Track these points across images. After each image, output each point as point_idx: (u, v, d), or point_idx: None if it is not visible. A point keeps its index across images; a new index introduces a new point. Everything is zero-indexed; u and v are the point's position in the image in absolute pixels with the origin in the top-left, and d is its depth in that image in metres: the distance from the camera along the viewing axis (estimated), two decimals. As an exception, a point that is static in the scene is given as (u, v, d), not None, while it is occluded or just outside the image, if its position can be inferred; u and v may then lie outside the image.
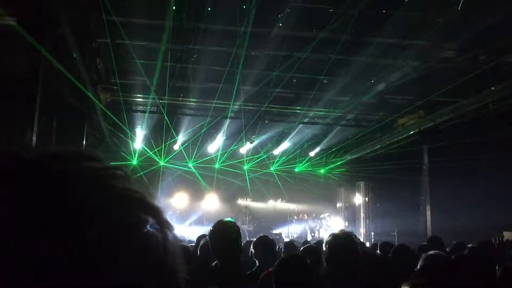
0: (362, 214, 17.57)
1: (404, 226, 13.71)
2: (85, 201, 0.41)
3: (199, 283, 2.75)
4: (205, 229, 4.04)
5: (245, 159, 16.59)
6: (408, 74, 11.62)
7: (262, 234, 4.48)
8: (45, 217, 0.39)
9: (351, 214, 18.61)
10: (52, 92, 7.84)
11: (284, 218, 17.78)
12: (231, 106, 13.09)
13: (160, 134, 14.67)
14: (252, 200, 18.43)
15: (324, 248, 2.99)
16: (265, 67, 11.37)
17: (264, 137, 15.90)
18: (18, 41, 6.92)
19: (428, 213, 13.34)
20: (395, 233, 13.52)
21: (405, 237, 11.70)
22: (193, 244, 5.17)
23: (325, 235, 14.78)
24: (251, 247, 4.18)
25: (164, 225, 0.47)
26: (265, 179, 17.59)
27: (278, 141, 16.77)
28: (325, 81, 12.44)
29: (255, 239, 4.33)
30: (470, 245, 5.74)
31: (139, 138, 15.41)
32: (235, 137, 15.59)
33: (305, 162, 17.83)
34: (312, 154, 17.56)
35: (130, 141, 14.78)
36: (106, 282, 0.40)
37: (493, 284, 2.80)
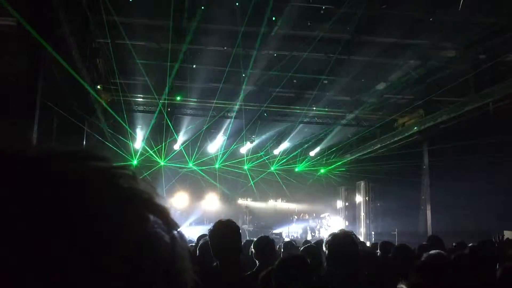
0: (362, 214, 17.58)
1: (405, 226, 13.72)
2: (91, 200, 0.41)
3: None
4: (205, 229, 4.04)
5: (245, 158, 16.59)
6: (408, 73, 11.62)
7: (262, 234, 4.48)
8: (51, 217, 0.39)
9: (351, 213, 18.61)
10: (52, 92, 7.84)
11: (285, 217, 17.78)
12: (237, 105, 13.08)
13: (160, 134, 14.67)
14: (253, 200, 18.43)
15: (324, 248, 2.99)
16: (265, 66, 11.37)
17: (264, 137, 15.90)
18: (18, 41, 6.92)
19: (429, 212, 13.34)
20: (396, 233, 13.51)
21: (405, 237, 11.70)
22: (193, 244, 5.17)
23: (325, 234, 14.76)
24: (251, 247, 4.18)
25: (171, 226, 0.47)
26: (266, 178, 17.59)
27: (278, 140, 16.77)
28: (325, 81, 12.45)
29: (255, 239, 4.33)
30: (470, 244, 5.74)
31: (139, 138, 15.41)
32: (235, 137, 15.59)
33: (306, 162, 17.84)
34: (312, 153, 17.56)
35: (130, 141, 14.78)
36: (113, 283, 0.39)
37: (493, 283, 2.80)
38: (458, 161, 11.32)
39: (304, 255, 3.19)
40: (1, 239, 0.37)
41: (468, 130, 10.78)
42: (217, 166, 16.69)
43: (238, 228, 2.92)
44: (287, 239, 11.50)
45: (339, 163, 17.82)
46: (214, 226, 2.85)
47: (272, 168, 17.41)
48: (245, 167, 16.96)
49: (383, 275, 3.75)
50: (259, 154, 16.77)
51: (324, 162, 18.02)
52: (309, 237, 15.46)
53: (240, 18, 9.30)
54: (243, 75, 11.78)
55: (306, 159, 17.77)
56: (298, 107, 13.86)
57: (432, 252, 2.43)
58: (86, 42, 9.32)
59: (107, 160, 0.46)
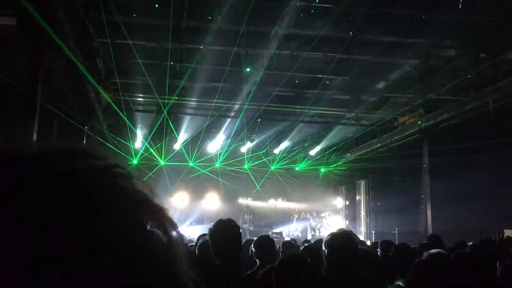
0: (362, 213, 17.58)
1: (405, 225, 13.72)
2: (87, 200, 0.41)
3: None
4: (206, 228, 4.04)
5: (246, 157, 16.58)
6: (409, 72, 11.61)
7: (263, 233, 4.48)
8: (46, 216, 0.39)
9: (351, 212, 18.62)
10: (52, 92, 7.84)
11: (285, 217, 17.78)
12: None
13: (160, 134, 14.66)
14: (253, 199, 18.44)
15: (323, 248, 2.99)
16: (265, 65, 11.37)
17: (264, 136, 15.90)
18: (18, 41, 6.92)
19: (429, 211, 13.34)
20: (396, 232, 13.52)
21: (405, 236, 11.72)
22: (194, 244, 5.17)
23: (325, 233, 14.77)
24: (252, 246, 4.18)
25: (169, 226, 0.46)
26: (266, 178, 17.58)
27: (278, 140, 16.77)
28: (327, 82, 12.45)
29: (255, 239, 4.33)
30: (471, 243, 5.73)
31: (139, 138, 15.41)
32: (235, 136, 15.59)
33: (306, 161, 17.83)
34: (312, 153, 17.55)
35: (130, 141, 14.78)
36: (110, 284, 0.39)
37: (493, 282, 2.80)
38: (459, 160, 11.32)
39: (304, 254, 3.19)
40: None
41: (468, 129, 10.78)
42: (217, 165, 16.69)
43: (238, 227, 2.92)
44: (287, 238, 11.50)
45: (340, 162, 17.83)
46: (214, 225, 2.86)
47: (272, 168, 17.41)
48: (245, 166, 16.96)
49: (383, 274, 3.75)
50: (259, 153, 16.77)
51: (324, 161, 18.02)
52: (309, 236, 15.46)
53: (240, 17, 9.30)
54: (243, 74, 11.78)
55: (307, 158, 17.77)
56: (298, 106, 13.86)
57: (433, 251, 2.43)
58: (86, 42, 9.32)
59: (103, 159, 0.46)
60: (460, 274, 2.64)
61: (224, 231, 2.79)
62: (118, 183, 0.45)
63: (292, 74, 11.58)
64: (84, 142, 10.20)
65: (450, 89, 10.70)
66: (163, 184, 16.27)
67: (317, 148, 17.22)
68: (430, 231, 12.41)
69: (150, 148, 15.25)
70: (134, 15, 9.47)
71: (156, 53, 11.02)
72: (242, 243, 3.15)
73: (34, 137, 6.45)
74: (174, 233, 0.47)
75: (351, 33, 10.00)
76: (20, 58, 6.91)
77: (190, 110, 14.38)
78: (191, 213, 16.74)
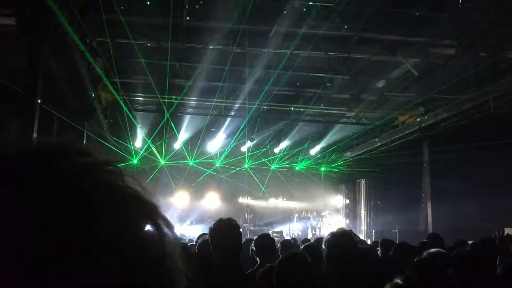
0: (363, 212, 17.58)
1: (405, 224, 13.71)
2: (77, 198, 0.40)
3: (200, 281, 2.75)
4: (206, 228, 4.04)
5: (247, 155, 16.58)
6: (409, 71, 11.61)
7: (263, 232, 4.48)
8: (36, 216, 0.38)
9: (352, 211, 18.62)
10: (52, 92, 7.84)
11: (285, 216, 17.77)
12: (237, 103, 13.06)
13: (160, 133, 14.66)
14: (253, 199, 18.44)
15: (323, 247, 2.99)
16: (265, 65, 11.37)
17: (264, 135, 15.90)
18: (18, 40, 6.92)
19: (429, 210, 13.34)
20: (396, 231, 13.52)
21: (406, 235, 11.70)
22: (194, 243, 5.17)
23: (326, 233, 14.77)
24: (252, 245, 4.18)
25: (161, 222, 0.46)
26: (266, 177, 17.58)
27: (278, 139, 16.77)
28: (326, 79, 12.45)
29: (256, 237, 4.34)
30: (471, 242, 5.73)
31: (139, 137, 15.41)
32: (235, 136, 15.59)
33: (306, 160, 17.83)
34: (313, 152, 17.55)
35: (130, 140, 14.79)
36: (102, 282, 0.39)
37: (493, 280, 2.80)
38: (459, 158, 11.31)
39: (304, 253, 3.19)
40: None
41: (469, 128, 10.78)
42: (217, 164, 16.69)
43: (238, 226, 2.92)
44: (287, 238, 11.50)
45: (340, 161, 17.82)
46: (214, 225, 2.86)
47: (272, 167, 17.41)
48: (246, 165, 16.96)
49: (383, 273, 3.74)
50: (260, 151, 16.76)
51: (324, 160, 18.02)
52: (309, 236, 15.45)
53: (240, 16, 9.30)
54: (243, 73, 11.78)
55: (307, 157, 17.77)
56: (299, 105, 13.87)
57: (432, 249, 2.43)
58: (86, 41, 9.31)
59: (93, 155, 0.46)
60: (460, 272, 2.64)
61: (224, 230, 2.80)
62: (108, 180, 0.44)
63: (292, 73, 11.58)
64: (84, 141, 10.19)
65: (450, 88, 10.69)
66: (166, 183, 16.33)
67: (317, 147, 17.22)
68: (430, 229, 12.41)
69: (152, 146, 15.24)
70: (133, 14, 9.47)
71: (156, 53, 11.02)
72: (242, 242, 3.15)
73: (34, 137, 6.45)
74: (166, 229, 0.46)
75: (346, 27, 9.97)
76: (20, 58, 6.91)
77: (190, 109, 14.38)
78: (191, 212, 16.75)
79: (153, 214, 0.46)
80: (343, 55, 11.12)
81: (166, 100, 12.80)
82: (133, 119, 13.49)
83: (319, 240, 5.91)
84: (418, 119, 12.86)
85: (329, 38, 10.25)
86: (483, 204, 10.97)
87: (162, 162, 16.04)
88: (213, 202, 17.54)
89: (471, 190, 11.21)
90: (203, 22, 9.87)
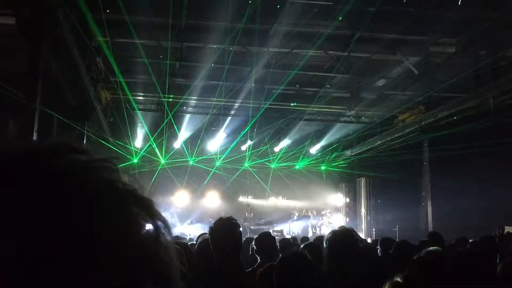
0: (363, 210, 17.58)
1: (406, 222, 13.72)
2: (77, 198, 0.41)
3: (200, 281, 2.75)
4: (207, 227, 4.04)
5: (248, 153, 16.57)
6: (409, 69, 11.60)
7: (264, 231, 4.49)
8: (37, 216, 0.38)
9: (352, 210, 18.61)
10: (52, 92, 7.84)
11: (286, 215, 17.78)
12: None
13: (161, 132, 14.66)
14: (254, 197, 18.44)
15: (324, 245, 2.99)
16: (265, 64, 11.36)
17: (264, 134, 15.90)
18: (18, 40, 6.92)
19: (430, 208, 13.34)
20: (397, 229, 13.52)
21: (406, 233, 11.70)
22: (194, 242, 5.17)
23: (326, 231, 14.78)
24: (253, 243, 4.18)
25: (156, 218, 0.46)
26: (267, 176, 17.58)
27: (278, 138, 16.77)
28: (326, 78, 12.45)
29: (257, 236, 4.34)
30: (471, 240, 5.74)
31: (139, 137, 15.41)
32: (236, 134, 15.59)
33: (306, 159, 17.83)
34: (313, 150, 17.55)
35: (130, 140, 14.79)
36: (102, 282, 0.39)
37: (493, 279, 2.80)
38: (459, 156, 11.31)
39: (305, 252, 3.20)
40: None
41: (469, 126, 10.78)
42: (218, 163, 16.69)
43: (238, 225, 2.92)
44: (288, 236, 11.51)
45: (340, 160, 17.82)
46: (214, 224, 2.86)
47: (272, 166, 17.41)
48: (246, 164, 16.97)
49: (383, 272, 3.75)
50: (262, 148, 16.76)
51: (324, 159, 18.02)
52: (310, 234, 15.46)
53: (241, 15, 9.29)
54: (243, 72, 11.78)
55: (307, 156, 17.76)
56: (298, 104, 13.86)
57: (430, 248, 2.44)
58: (86, 40, 9.32)
59: (86, 153, 0.46)
60: (459, 270, 2.65)
61: (224, 229, 2.80)
62: (107, 179, 0.44)
63: (292, 72, 11.57)
64: (84, 141, 10.19)
65: (450, 86, 10.69)
66: (170, 183, 16.34)
67: (318, 146, 17.22)
68: (431, 228, 12.42)
69: (153, 143, 15.22)
70: (133, 13, 9.46)
71: (156, 52, 11.01)
72: (243, 241, 3.16)
73: (34, 137, 6.46)
74: (160, 224, 0.46)
75: (351, 30, 9.97)
76: (20, 58, 6.91)
77: (190, 108, 14.37)
78: (192, 211, 16.75)
79: (152, 213, 0.46)
80: (343, 53, 11.12)
81: (165, 100, 12.80)
82: (127, 124, 13.47)
83: (319, 238, 5.92)
84: (418, 118, 12.86)
85: (330, 36, 10.23)
86: (483, 202, 10.97)
87: (162, 161, 16.04)
88: (213, 201, 17.54)
89: (471, 188, 11.22)
90: (203, 21, 9.87)
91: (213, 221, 2.99)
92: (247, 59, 11.37)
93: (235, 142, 15.85)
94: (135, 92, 13.18)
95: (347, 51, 10.91)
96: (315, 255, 3.66)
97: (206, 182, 16.94)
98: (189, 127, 15.08)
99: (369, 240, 11.73)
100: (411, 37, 10.31)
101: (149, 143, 15.02)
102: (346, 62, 11.44)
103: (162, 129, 14.35)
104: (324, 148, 17.37)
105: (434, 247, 2.51)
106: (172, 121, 13.89)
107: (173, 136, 15.43)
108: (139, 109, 14.04)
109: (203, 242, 3.55)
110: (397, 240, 5.74)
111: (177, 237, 6.43)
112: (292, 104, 13.91)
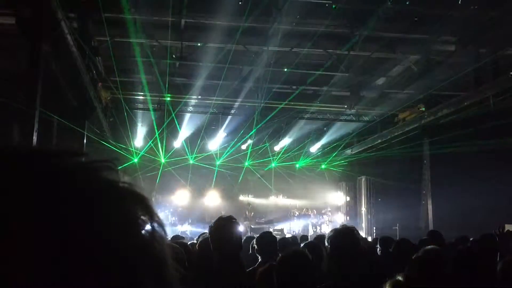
0: (363, 209, 17.58)
1: (406, 220, 13.72)
2: (76, 198, 0.41)
3: (200, 280, 2.76)
4: (207, 226, 4.05)
5: (249, 151, 16.57)
6: (409, 68, 11.60)
7: (264, 231, 4.49)
8: (37, 216, 0.38)
9: (352, 209, 18.61)
10: (52, 92, 7.84)
11: (286, 214, 17.78)
12: (237, 102, 13.04)
13: (161, 132, 14.66)
14: (254, 197, 18.45)
15: (326, 243, 2.99)
16: (265, 63, 11.36)
17: (264, 133, 15.89)
18: (18, 40, 6.92)
19: (430, 207, 13.34)
20: (397, 228, 13.53)
21: (407, 231, 11.71)
22: (194, 242, 5.17)
23: (327, 230, 14.78)
24: (254, 242, 4.19)
25: (152, 216, 0.46)
26: (267, 175, 17.58)
27: (278, 137, 16.77)
28: (326, 77, 12.44)
29: (257, 235, 4.34)
30: (472, 238, 5.73)
31: (139, 136, 15.40)
32: (236, 133, 15.59)
33: (306, 158, 17.82)
34: (313, 149, 17.54)
35: (130, 139, 14.79)
36: (103, 283, 0.39)
37: (493, 277, 2.80)
38: (459, 155, 11.31)
39: (305, 251, 3.20)
40: None
41: (469, 125, 10.77)
42: (218, 162, 16.68)
43: (238, 224, 2.92)
44: (288, 235, 11.52)
45: (340, 159, 17.82)
46: (214, 223, 2.86)
47: (273, 165, 17.41)
48: (246, 163, 16.97)
49: (383, 270, 3.75)
50: (263, 146, 16.76)
51: (325, 157, 18.02)
52: (310, 233, 15.46)
53: (240, 14, 9.28)
54: (243, 71, 11.77)
55: (307, 155, 17.76)
56: (299, 103, 13.85)
57: (428, 247, 2.44)
58: (86, 40, 9.32)
59: (86, 156, 0.46)
60: (459, 269, 2.65)
61: (225, 228, 2.80)
62: (107, 179, 0.44)
63: (292, 71, 11.58)
64: (85, 141, 10.19)
65: (451, 85, 10.68)
66: (172, 183, 16.35)
67: (318, 145, 17.22)
68: (431, 226, 12.42)
69: (156, 141, 15.22)
70: (133, 13, 9.46)
71: (155, 51, 11.01)
72: (243, 240, 3.16)
73: (34, 137, 6.46)
74: (156, 222, 0.46)
75: (351, 29, 9.96)
76: (20, 58, 6.91)
77: (190, 107, 14.37)
78: (192, 210, 16.75)
79: (151, 213, 0.46)
80: (342, 52, 11.11)
81: (165, 99, 12.80)
82: (127, 123, 13.46)
83: (319, 237, 5.92)
84: (419, 116, 12.86)
85: (329, 35, 10.23)
86: (484, 201, 10.97)
87: (163, 160, 16.04)
88: (213, 200, 17.54)
89: (472, 187, 11.21)
90: (203, 20, 9.86)
91: (212, 220, 2.99)
92: (247, 58, 11.37)
93: (234, 141, 15.84)
94: (135, 92, 13.18)
95: (348, 49, 10.90)
96: (315, 254, 3.66)
97: (213, 183, 16.94)
98: (189, 126, 15.09)
99: (369, 239, 11.74)
100: (411, 36, 10.30)
101: (149, 143, 15.02)
102: (346, 60, 11.43)
103: (162, 128, 14.35)
104: (324, 147, 17.37)
105: (432, 246, 2.51)
106: (175, 120, 13.90)
107: (173, 135, 15.43)
108: (139, 109, 14.04)
109: (204, 241, 3.55)
110: (398, 238, 5.74)
111: (177, 236, 6.42)
112: (291, 106, 13.92)
